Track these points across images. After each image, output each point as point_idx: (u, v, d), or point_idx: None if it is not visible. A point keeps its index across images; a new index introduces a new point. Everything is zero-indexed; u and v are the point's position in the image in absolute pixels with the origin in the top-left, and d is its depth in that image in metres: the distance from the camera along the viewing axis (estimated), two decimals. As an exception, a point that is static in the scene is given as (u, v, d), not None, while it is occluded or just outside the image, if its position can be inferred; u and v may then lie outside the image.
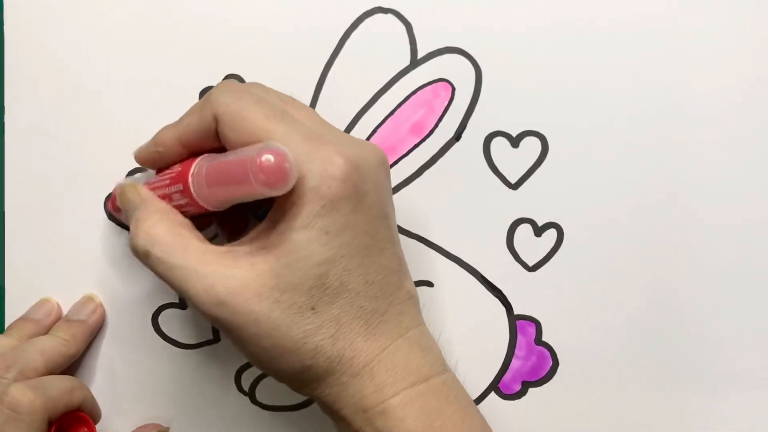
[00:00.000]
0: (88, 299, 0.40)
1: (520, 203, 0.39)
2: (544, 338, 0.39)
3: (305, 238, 0.29)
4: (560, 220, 0.39)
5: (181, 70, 0.39)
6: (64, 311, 0.40)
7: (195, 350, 0.40)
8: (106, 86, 0.40)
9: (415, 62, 0.39)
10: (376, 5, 0.39)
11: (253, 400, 0.41)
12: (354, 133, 0.39)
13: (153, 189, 0.34)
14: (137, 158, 0.35)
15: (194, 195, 0.32)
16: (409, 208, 0.39)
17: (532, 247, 0.39)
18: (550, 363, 0.39)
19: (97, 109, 0.40)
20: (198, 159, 0.32)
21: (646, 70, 0.38)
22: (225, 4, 0.39)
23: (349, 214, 0.30)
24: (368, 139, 0.39)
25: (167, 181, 0.33)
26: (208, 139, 0.32)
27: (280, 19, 0.39)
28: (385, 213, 0.32)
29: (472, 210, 0.39)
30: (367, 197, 0.30)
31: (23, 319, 0.39)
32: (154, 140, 0.34)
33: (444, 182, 0.39)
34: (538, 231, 0.39)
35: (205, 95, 0.33)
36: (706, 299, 0.39)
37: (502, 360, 0.40)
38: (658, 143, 0.38)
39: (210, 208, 0.32)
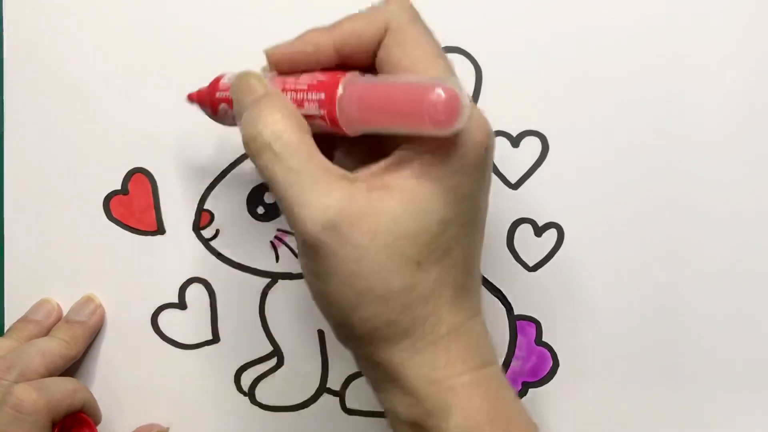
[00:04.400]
0: (88, 300, 0.40)
1: (520, 203, 0.39)
2: (544, 338, 0.39)
3: (435, 190, 0.28)
4: (560, 220, 0.39)
5: (180, 71, 0.39)
6: (64, 311, 0.40)
7: (195, 350, 0.40)
8: (106, 86, 0.40)
9: (414, 62, 0.39)
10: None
11: (253, 400, 0.41)
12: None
13: (282, 90, 0.31)
14: (273, 54, 0.31)
15: (338, 109, 0.29)
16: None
17: (532, 247, 0.39)
18: (550, 363, 0.39)
19: (97, 109, 0.40)
20: (347, 74, 0.29)
21: (646, 70, 0.38)
22: (225, 4, 0.39)
23: (475, 184, 0.29)
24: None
25: (305, 86, 0.30)
26: (365, 51, 0.30)
27: (280, 19, 0.39)
28: (488, 194, 0.31)
29: (472, 210, 0.39)
30: (488, 173, 0.30)
31: (23, 320, 0.39)
32: (303, 38, 0.31)
33: (444, 182, 0.39)
34: (538, 231, 0.39)
35: (373, 6, 0.30)
36: (706, 299, 0.39)
37: (502, 360, 0.40)
38: (658, 143, 0.38)
39: (345, 130, 0.29)
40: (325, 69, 0.30)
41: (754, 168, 0.38)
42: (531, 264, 0.39)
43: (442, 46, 0.38)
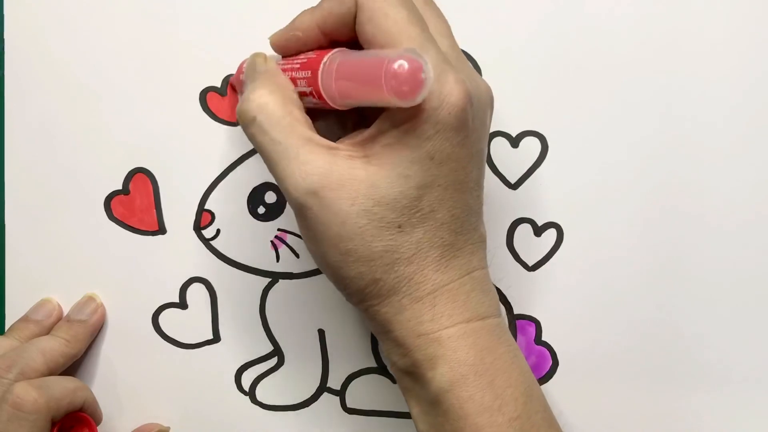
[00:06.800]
0: (89, 299, 0.40)
1: (520, 203, 0.39)
2: (544, 338, 0.39)
3: (411, 157, 0.29)
4: (560, 220, 0.39)
5: (181, 71, 0.39)
6: (65, 311, 0.40)
7: (195, 350, 0.40)
8: (107, 86, 0.40)
9: (415, 62, 0.39)
10: (377, 5, 0.39)
11: (253, 400, 0.41)
12: (354, 133, 0.39)
13: (282, 69, 0.33)
14: (273, 42, 0.34)
15: (320, 85, 0.31)
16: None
17: (532, 247, 0.39)
18: (550, 363, 0.39)
19: (97, 108, 0.40)
20: (333, 50, 0.31)
21: (646, 71, 0.38)
22: (225, 4, 0.39)
23: (455, 147, 0.30)
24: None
25: (297, 65, 0.32)
26: (345, 27, 0.31)
27: (280, 19, 0.39)
28: (481, 155, 0.32)
29: (472, 210, 0.39)
30: (473, 135, 0.30)
31: (24, 319, 0.39)
32: (293, 23, 0.33)
33: (444, 182, 0.39)
34: (538, 231, 0.39)
35: None
36: (705, 299, 0.39)
37: (502, 360, 0.40)
38: (657, 143, 0.38)
39: (331, 104, 0.31)
40: (320, 48, 0.32)
41: (755, 168, 0.38)
42: (530, 264, 0.39)
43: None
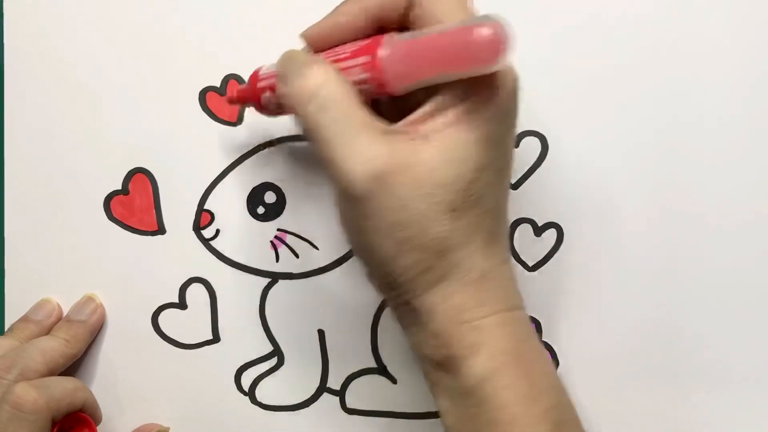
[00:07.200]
0: (89, 299, 0.40)
1: (520, 203, 0.39)
2: (544, 338, 0.39)
3: (470, 138, 0.28)
4: (560, 220, 0.39)
5: (181, 70, 0.39)
6: (65, 311, 0.40)
7: (195, 350, 0.40)
8: (107, 86, 0.40)
9: (415, 62, 0.39)
10: (376, 5, 0.39)
11: (253, 400, 0.41)
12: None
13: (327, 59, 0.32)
14: (309, 34, 0.32)
15: (384, 68, 0.29)
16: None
17: (531, 247, 0.39)
18: (550, 363, 0.39)
19: (97, 109, 0.40)
20: (386, 35, 0.30)
21: (646, 71, 0.38)
22: (224, 4, 0.39)
23: (507, 129, 0.30)
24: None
25: (347, 53, 0.31)
26: (396, 13, 0.31)
27: (280, 19, 0.39)
28: (514, 142, 0.32)
29: (472, 210, 0.39)
30: (516, 119, 0.30)
31: (24, 320, 0.39)
32: (337, 9, 0.32)
33: (444, 182, 0.39)
34: (538, 231, 0.39)
35: None
36: (705, 299, 0.39)
37: (502, 360, 0.40)
38: (657, 143, 0.38)
39: (391, 88, 0.29)
40: (364, 37, 0.31)
41: (756, 169, 0.38)
42: (531, 264, 0.39)
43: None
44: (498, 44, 0.27)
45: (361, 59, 0.30)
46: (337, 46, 0.32)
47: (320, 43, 0.32)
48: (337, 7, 0.32)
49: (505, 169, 0.31)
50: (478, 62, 0.27)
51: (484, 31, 0.26)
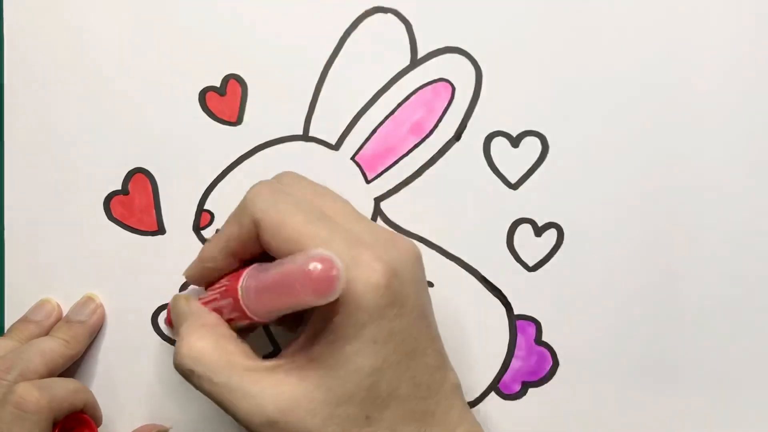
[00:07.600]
0: (88, 299, 0.40)
1: (520, 203, 0.39)
2: (544, 338, 0.39)
3: (354, 349, 0.29)
4: (560, 220, 0.39)
5: (181, 70, 0.39)
6: (65, 312, 0.40)
7: (195, 350, 0.40)
8: (107, 86, 0.40)
9: (415, 62, 0.39)
10: (376, 5, 0.39)
11: (253, 400, 0.41)
12: (354, 132, 0.39)
13: (205, 303, 0.34)
14: (188, 278, 0.35)
15: (245, 309, 0.32)
16: (410, 208, 0.39)
17: (532, 247, 0.39)
18: (550, 363, 0.39)
19: (97, 108, 0.40)
20: (246, 270, 0.32)
21: (646, 71, 0.38)
22: (224, 4, 0.39)
23: (393, 321, 0.29)
24: (368, 139, 0.39)
25: (217, 295, 0.34)
26: (252, 244, 0.32)
27: (279, 18, 0.39)
28: (425, 312, 0.32)
29: (472, 210, 0.39)
30: (408, 301, 0.30)
31: (23, 320, 0.39)
32: (201, 257, 0.34)
33: (444, 182, 0.39)
34: (538, 231, 0.39)
35: (241, 201, 0.32)
36: (706, 299, 0.39)
37: (502, 360, 0.40)
38: (658, 143, 0.38)
39: (260, 321, 0.32)
40: (236, 269, 0.33)
41: (757, 170, 0.38)
42: (531, 264, 0.39)
43: (443, 46, 0.38)
44: (329, 279, 0.27)
45: (227, 300, 0.33)
46: (215, 282, 0.34)
47: (202, 282, 0.35)
48: (200, 252, 0.34)
49: (411, 352, 0.30)
50: (314, 297, 0.27)
51: (312, 269, 0.27)
